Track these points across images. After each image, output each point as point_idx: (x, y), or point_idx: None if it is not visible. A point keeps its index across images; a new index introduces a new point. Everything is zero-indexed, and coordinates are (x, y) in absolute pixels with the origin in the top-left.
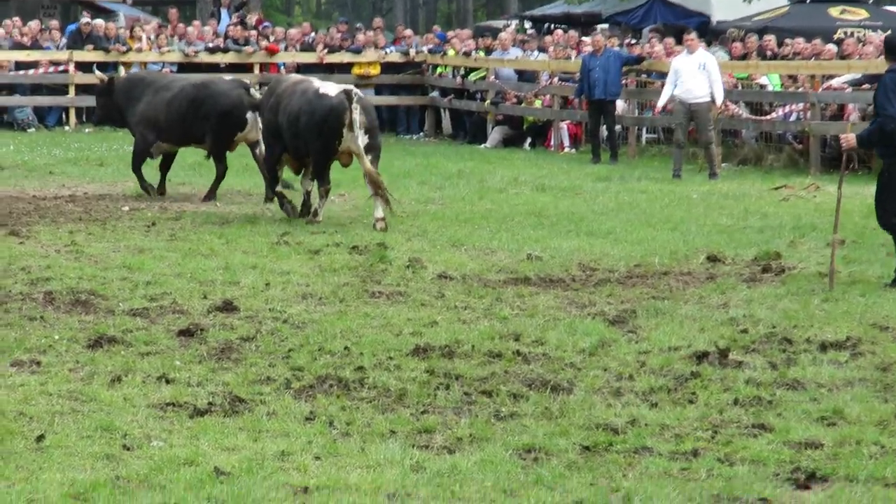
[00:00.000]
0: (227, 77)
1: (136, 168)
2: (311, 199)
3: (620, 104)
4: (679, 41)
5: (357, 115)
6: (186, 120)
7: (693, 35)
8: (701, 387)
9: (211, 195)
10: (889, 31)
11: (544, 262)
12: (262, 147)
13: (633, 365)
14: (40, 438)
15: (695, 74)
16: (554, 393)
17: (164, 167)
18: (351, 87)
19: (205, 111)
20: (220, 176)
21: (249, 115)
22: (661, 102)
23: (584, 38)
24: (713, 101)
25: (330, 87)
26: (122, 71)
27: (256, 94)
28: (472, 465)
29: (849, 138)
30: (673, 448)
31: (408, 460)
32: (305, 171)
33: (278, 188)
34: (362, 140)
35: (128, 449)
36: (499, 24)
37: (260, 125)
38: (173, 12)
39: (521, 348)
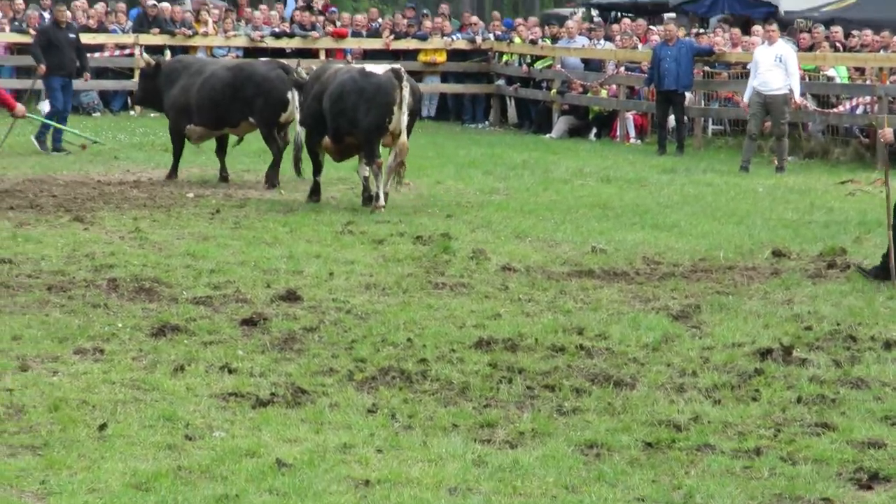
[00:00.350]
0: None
1: (176, 153)
2: (370, 185)
3: (688, 95)
4: (746, 31)
5: (406, 94)
6: (222, 104)
7: (774, 26)
8: (764, 384)
9: (272, 180)
10: None
11: (608, 255)
12: (298, 129)
13: (697, 361)
14: (103, 427)
15: (771, 66)
16: (617, 388)
17: (220, 153)
18: (398, 66)
19: (244, 94)
20: (277, 159)
21: (289, 94)
22: (746, 96)
23: (651, 28)
24: (790, 93)
25: (376, 67)
26: (167, 54)
27: (304, 73)
28: (533, 460)
29: (886, 133)
30: (735, 446)
31: (469, 454)
32: (359, 157)
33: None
34: (405, 120)
35: (190, 439)
36: (565, 12)
37: (298, 106)
38: None
39: (584, 342)
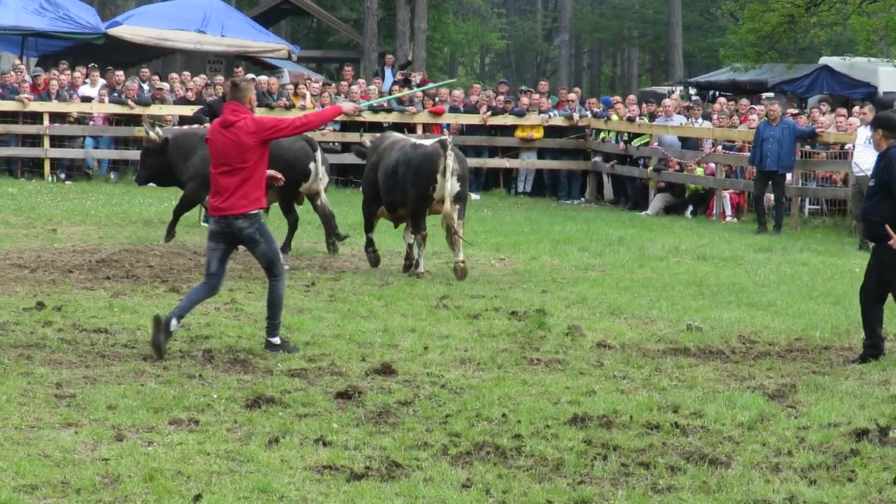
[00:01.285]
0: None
1: (176, 217)
2: (413, 252)
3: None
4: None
5: (450, 162)
6: None
7: (867, 108)
8: (860, 465)
9: (286, 247)
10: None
11: (704, 333)
12: (324, 198)
13: (793, 440)
14: (197, 498)
15: (862, 149)
16: (712, 467)
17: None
18: (447, 138)
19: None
20: (293, 228)
21: (312, 165)
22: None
23: (753, 107)
24: None
25: (426, 140)
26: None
27: (367, 142)
28: None
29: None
30: None
31: None
32: (406, 224)
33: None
34: (453, 186)
35: None
36: (663, 90)
37: (322, 176)
38: (348, 69)
39: (679, 420)
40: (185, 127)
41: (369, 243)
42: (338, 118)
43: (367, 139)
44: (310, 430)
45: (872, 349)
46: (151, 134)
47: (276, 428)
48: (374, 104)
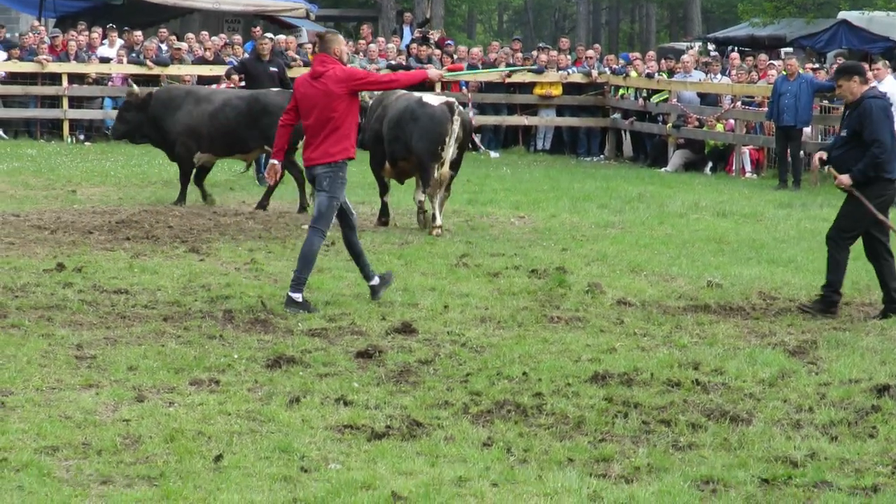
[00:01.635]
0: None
1: (184, 183)
2: (426, 207)
3: (806, 130)
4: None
5: (457, 127)
6: (238, 131)
7: (880, 64)
8: (881, 421)
9: (303, 202)
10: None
11: (724, 290)
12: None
13: (814, 397)
14: (218, 458)
15: None
16: (733, 424)
17: (199, 181)
18: (453, 99)
19: (262, 124)
20: (301, 180)
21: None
22: None
23: (772, 63)
24: None
25: (433, 98)
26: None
27: (367, 98)
28: (649, 495)
29: (843, 180)
30: (853, 483)
31: (585, 489)
32: (417, 182)
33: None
34: (454, 152)
35: (305, 471)
36: (681, 46)
37: None
38: (365, 27)
39: (700, 377)
40: (173, 85)
41: (384, 211)
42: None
43: (366, 95)
44: (330, 390)
45: (892, 304)
46: (132, 90)
47: (297, 388)
48: (459, 76)
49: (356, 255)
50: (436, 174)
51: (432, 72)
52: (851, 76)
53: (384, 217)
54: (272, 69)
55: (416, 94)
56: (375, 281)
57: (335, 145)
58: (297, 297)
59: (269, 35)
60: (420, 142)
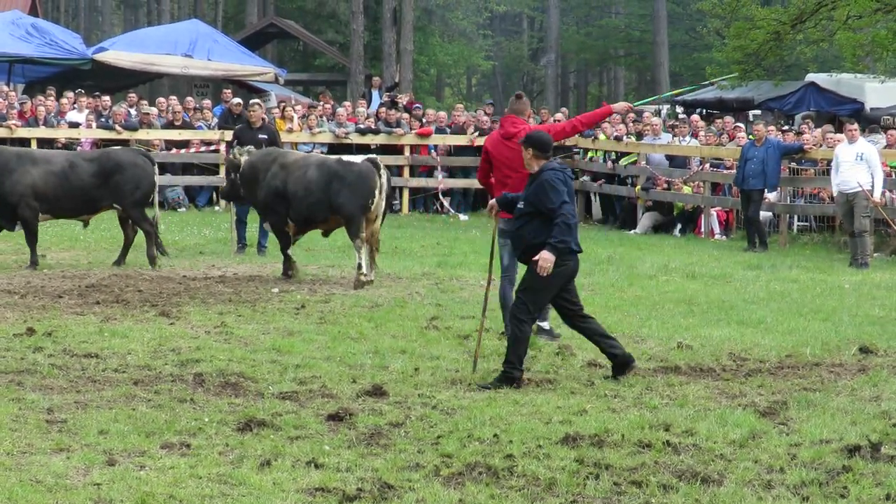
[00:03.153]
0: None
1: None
2: (362, 262)
3: (773, 193)
4: (837, 128)
5: (384, 181)
6: (86, 190)
7: (855, 125)
8: (853, 481)
9: (152, 256)
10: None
11: (694, 351)
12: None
13: (784, 458)
14: None
15: (853, 165)
16: (704, 485)
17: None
18: (374, 156)
19: (115, 180)
20: (154, 235)
21: (157, 178)
22: (833, 190)
23: (739, 125)
24: (871, 190)
25: (352, 158)
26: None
27: (241, 156)
28: None
29: (546, 258)
30: None
31: None
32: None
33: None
34: (382, 205)
35: None
36: (650, 108)
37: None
38: (324, 96)
39: (671, 438)
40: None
41: (290, 264)
42: (324, 141)
43: (243, 154)
44: (301, 453)
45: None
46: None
47: (268, 451)
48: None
49: (505, 307)
50: (365, 230)
51: (618, 105)
52: (527, 148)
53: (290, 270)
54: (261, 136)
55: (330, 156)
56: (547, 325)
57: None
58: (545, 324)
59: (259, 102)
60: (350, 199)
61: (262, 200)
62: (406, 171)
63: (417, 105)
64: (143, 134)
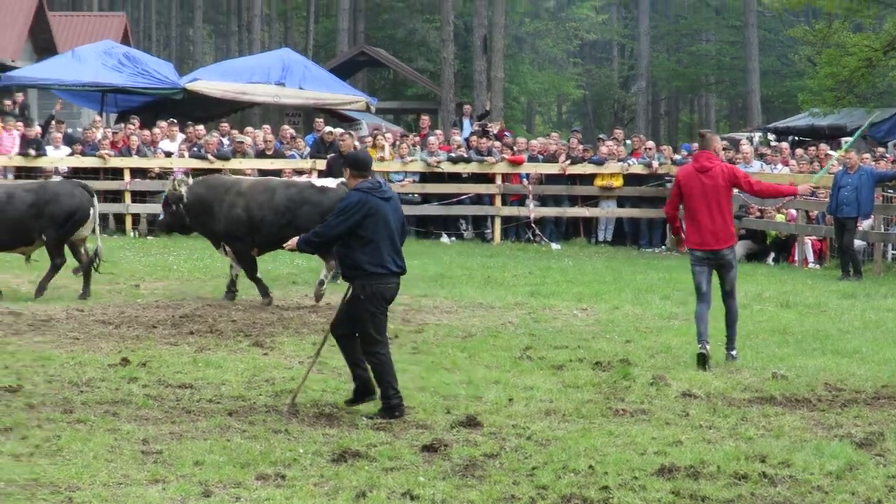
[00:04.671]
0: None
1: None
2: (325, 280)
3: (867, 221)
4: None
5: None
6: (23, 222)
7: None
8: None
9: (42, 289)
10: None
11: (790, 382)
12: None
13: (882, 490)
14: None
15: None
16: None
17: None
18: (341, 179)
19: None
20: (56, 269)
21: (92, 211)
22: None
23: (831, 153)
24: None
25: (326, 181)
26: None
27: (181, 188)
28: None
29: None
30: None
31: None
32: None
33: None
34: None
35: None
36: (742, 135)
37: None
38: (425, 119)
39: (767, 470)
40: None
41: (265, 290)
42: (416, 169)
43: (182, 184)
44: (396, 484)
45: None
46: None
47: (363, 482)
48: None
49: (731, 324)
50: None
51: (802, 187)
52: (345, 167)
53: (268, 297)
54: None
55: (299, 180)
56: (735, 353)
57: (727, 230)
58: (734, 353)
59: (350, 132)
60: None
61: (224, 229)
62: (498, 200)
63: (507, 133)
64: (235, 163)
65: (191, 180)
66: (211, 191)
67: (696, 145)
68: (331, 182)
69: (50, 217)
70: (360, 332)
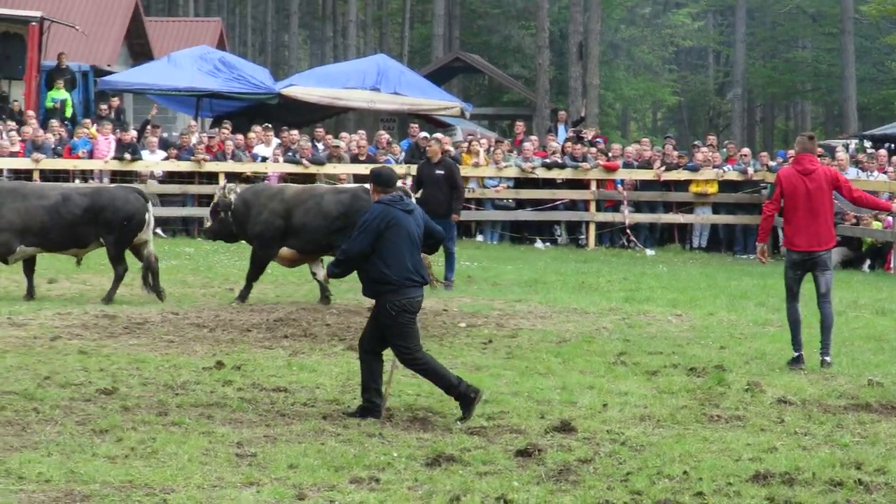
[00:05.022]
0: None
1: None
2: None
3: None
4: None
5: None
6: (77, 225)
7: None
8: None
9: (110, 298)
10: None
11: (885, 389)
12: (152, 248)
13: None
14: None
15: None
16: None
17: (28, 271)
18: (366, 185)
19: (103, 217)
20: (120, 279)
21: (147, 216)
22: None
23: None
24: None
25: (345, 186)
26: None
27: (231, 195)
28: None
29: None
30: None
31: None
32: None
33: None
34: None
35: None
36: (838, 143)
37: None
38: (520, 125)
39: (862, 477)
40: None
41: (244, 296)
42: (510, 175)
43: (231, 192)
44: (490, 489)
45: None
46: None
47: (457, 486)
48: None
49: (826, 328)
50: None
51: None
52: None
53: (242, 300)
54: (438, 171)
55: (349, 185)
56: (829, 359)
57: (830, 231)
58: (828, 359)
59: (437, 135)
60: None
61: (258, 231)
62: (592, 206)
63: (599, 139)
64: (330, 168)
65: (239, 188)
66: (256, 197)
67: (791, 152)
68: (347, 187)
69: (105, 223)
70: (394, 345)
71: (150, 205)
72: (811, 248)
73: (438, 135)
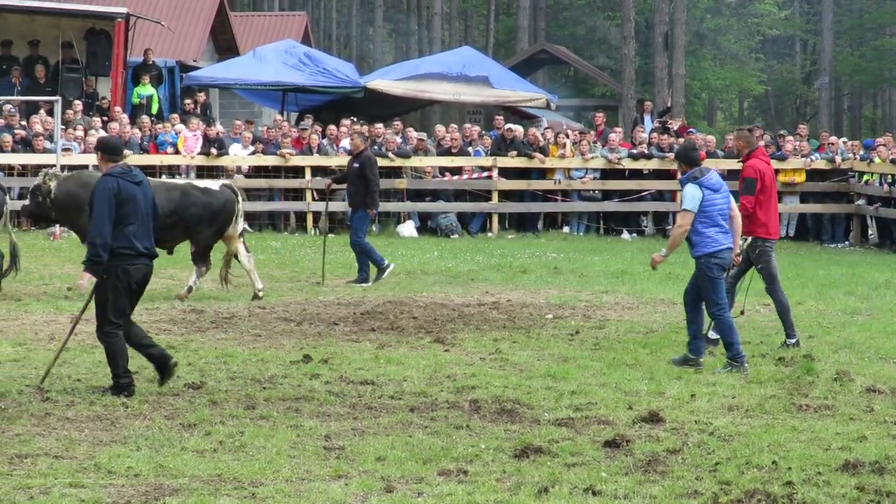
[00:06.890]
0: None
1: None
2: (194, 284)
3: None
4: None
5: (241, 206)
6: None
7: None
8: None
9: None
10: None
11: None
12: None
13: None
14: None
15: None
16: None
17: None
18: (230, 181)
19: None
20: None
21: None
22: None
23: None
24: None
25: (210, 183)
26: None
27: (50, 181)
28: None
29: (81, 282)
30: None
31: None
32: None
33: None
34: (241, 226)
35: None
36: None
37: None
38: (598, 116)
39: None
40: None
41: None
42: (597, 166)
43: (52, 178)
44: (579, 480)
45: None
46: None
47: (545, 478)
48: None
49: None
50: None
51: None
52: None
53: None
54: (354, 165)
55: (180, 181)
56: (792, 341)
57: None
58: (791, 341)
59: (358, 128)
60: (208, 225)
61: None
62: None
63: (691, 129)
64: (416, 161)
65: (62, 175)
66: (81, 188)
67: (879, 140)
68: (213, 183)
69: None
70: (97, 309)
71: (239, 198)
72: (778, 235)
73: (359, 128)
